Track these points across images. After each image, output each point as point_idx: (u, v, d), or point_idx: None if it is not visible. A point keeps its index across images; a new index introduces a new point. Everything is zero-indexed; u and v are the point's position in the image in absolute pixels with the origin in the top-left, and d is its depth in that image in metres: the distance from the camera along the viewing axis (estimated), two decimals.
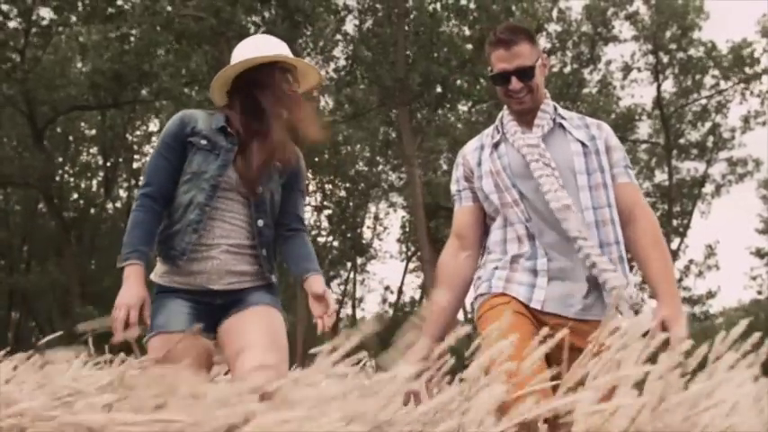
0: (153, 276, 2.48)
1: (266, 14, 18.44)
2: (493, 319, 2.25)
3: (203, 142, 2.49)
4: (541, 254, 2.37)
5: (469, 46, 17.83)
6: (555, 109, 2.52)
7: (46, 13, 18.75)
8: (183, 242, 2.42)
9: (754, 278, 28.46)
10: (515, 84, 2.42)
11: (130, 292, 2.26)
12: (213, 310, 2.43)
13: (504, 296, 2.37)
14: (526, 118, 2.49)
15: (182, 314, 2.37)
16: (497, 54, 2.45)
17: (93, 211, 26.45)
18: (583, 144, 2.44)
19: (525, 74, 2.41)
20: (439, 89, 18.55)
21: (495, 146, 2.50)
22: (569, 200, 2.35)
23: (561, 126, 2.48)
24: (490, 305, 2.40)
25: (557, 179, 2.36)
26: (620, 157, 2.49)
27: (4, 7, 18.01)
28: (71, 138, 25.51)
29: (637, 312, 2.34)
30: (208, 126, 2.52)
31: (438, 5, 18.54)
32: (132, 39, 17.41)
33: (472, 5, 18.38)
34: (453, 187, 2.64)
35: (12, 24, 18.85)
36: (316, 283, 2.52)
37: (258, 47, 2.60)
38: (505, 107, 2.55)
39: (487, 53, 2.51)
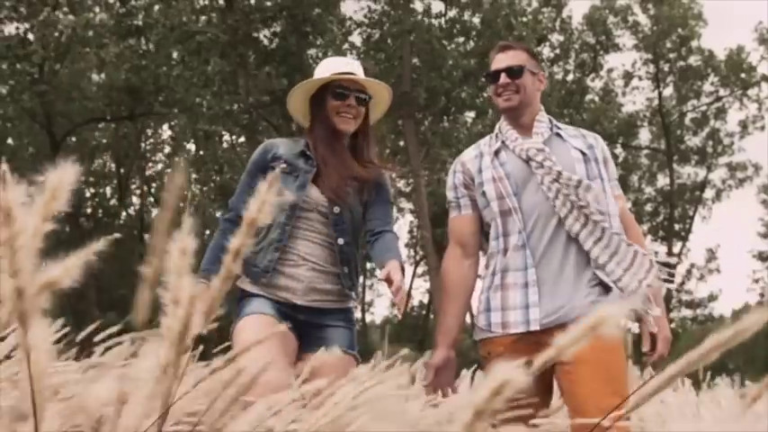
0: (239, 283, 2.60)
1: (277, 28, 18.94)
2: None
3: (283, 166, 2.59)
4: (530, 263, 2.40)
5: (473, 60, 18.33)
6: (550, 120, 2.61)
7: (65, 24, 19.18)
8: (265, 260, 2.54)
9: (756, 281, 28.83)
10: (503, 79, 2.54)
11: None
12: (294, 322, 2.46)
13: (505, 337, 2.40)
14: (522, 124, 2.56)
15: (271, 307, 2.51)
16: (495, 59, 2.62)
17: (106, 219, 26.83)
18: (582, 152, 2.51)
19: (513, 71, 2.54)
20: (443, 100, 19.05)
21: (496, 153, 2.54)
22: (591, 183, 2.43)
23: (558, 135, 2.56)
24: (492, 355, 2.46)
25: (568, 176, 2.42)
26: (613, 170, 2.61)
27: (25, 24, 18.53)
28: (84, 149, 25.95)
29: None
30: (289, 151, 2.66)
31: (442, 20, 19.03)
32: (149, 53, 17.87)
33: (475, 20, 18.90)
34: (451, 194, 2.66)
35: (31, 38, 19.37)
36: (388, 266, 2.42)
37: (327, 69, 2.72)
38: (503, 117, 2.64)
39: (490, 61, 2.68)
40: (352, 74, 2.68)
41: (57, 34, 17.02)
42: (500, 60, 2.59)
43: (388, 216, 2.74)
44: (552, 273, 2.38)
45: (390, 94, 2.80)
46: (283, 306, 2.52)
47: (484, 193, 2.51)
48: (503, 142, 2.55)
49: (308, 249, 2.56)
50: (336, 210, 2.58)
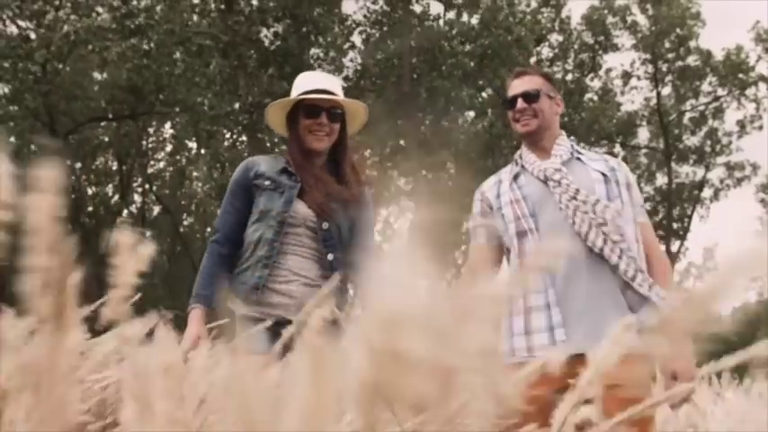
0: (230, 305, 2.57)
1: (278, 30, 19.06)
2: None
3: (267, 183, 2.60)
4: (549, 284, 2.35)
5: (472, 61, 18.47)
6: (572, 145, 2.61)
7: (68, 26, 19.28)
8: (254, 277, 2.54)
9: (754, 279, 28.87)
10: (520, 104, 2.56)
11: (188, 333, 2.47)
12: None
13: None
14: (542, 148, 2.57)
15: (262, 338, 2.36)
16: (512, 85, 2.65)
17: (108, 217, 26.93)
18: (603, 173, 2.49)
19: (529, 96, 2.56)
20: (443, 100, 19.19)
21: (515, 177, 2.55)
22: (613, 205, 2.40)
23: (579, 159, 2.56)
24: None
25: (586, 196, 2.39)
26: (638, 196, 2.55)
27: (29, 23, 18.66)
28: (86, 147, 26.04)
29: None
30: (271, 168, 2.65)
31: (441, 22, 19.17)
32: (151, 53, 18.01)
33: (474, 21, 19.04)
34: (470, 223, 2.67)
35: (33, 37, 19.46)
36: None
37: (301, 85, 2.71)
38: (523, 144, 2.64)
39: (507, 87, 2.71)
40: (324, 91, 2.66)
41: (58, 35, 17.13)
42: (516, 86, 2.61)
43: (371, 241, 2.77)
44: (577, 294, 2.33)
45: (366, 110, 2.78)
46: (277, 325, 2.46)
47: (503, 216, 2.52)
48: (522, 166, 2.57)
49: (299, 264, 2.56)
50: (325, 225, 2.58)
